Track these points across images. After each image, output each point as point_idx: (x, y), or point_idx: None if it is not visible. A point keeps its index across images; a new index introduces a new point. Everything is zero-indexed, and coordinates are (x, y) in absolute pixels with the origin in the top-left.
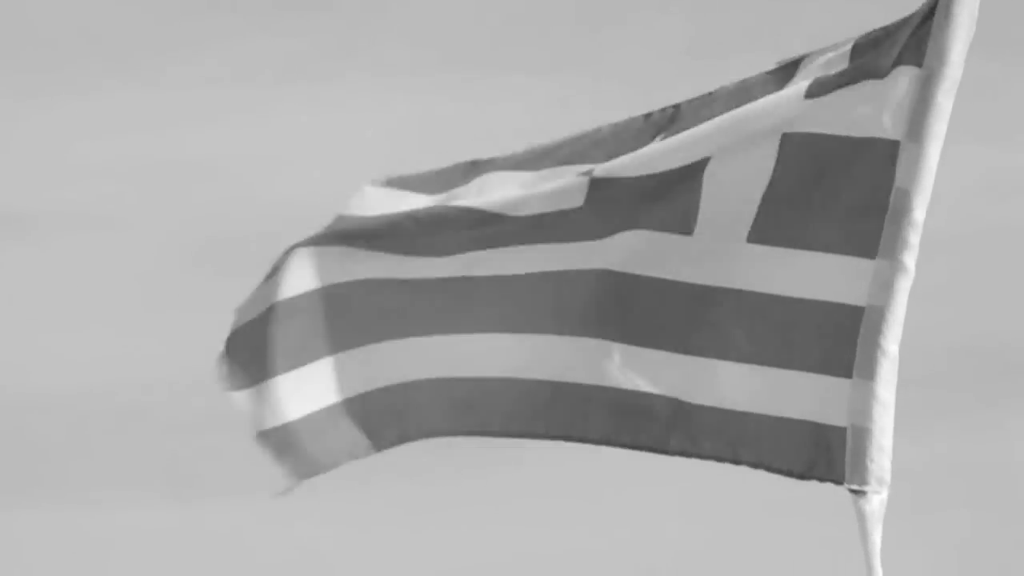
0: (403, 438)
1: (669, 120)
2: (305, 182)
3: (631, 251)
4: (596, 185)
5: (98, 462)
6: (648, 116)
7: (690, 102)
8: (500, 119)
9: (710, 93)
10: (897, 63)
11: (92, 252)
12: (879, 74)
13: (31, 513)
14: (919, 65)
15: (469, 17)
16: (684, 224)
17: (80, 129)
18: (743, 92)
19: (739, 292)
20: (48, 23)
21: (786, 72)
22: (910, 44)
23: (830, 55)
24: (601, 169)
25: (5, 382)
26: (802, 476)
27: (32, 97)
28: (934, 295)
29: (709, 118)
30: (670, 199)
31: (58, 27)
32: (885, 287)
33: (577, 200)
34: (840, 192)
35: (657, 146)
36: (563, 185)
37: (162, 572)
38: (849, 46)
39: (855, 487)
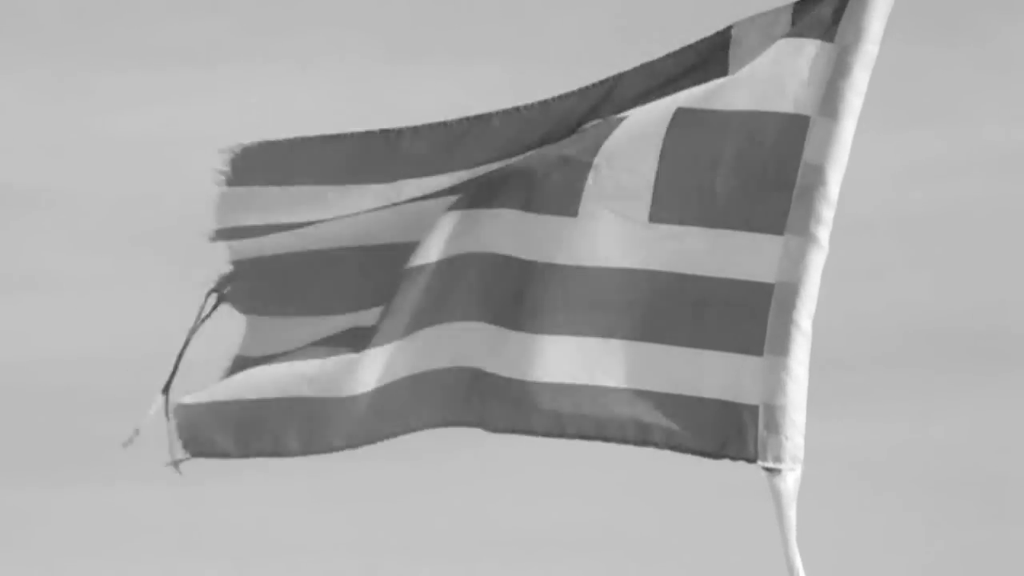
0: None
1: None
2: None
3: (519, 235)
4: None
5: (72, 441)
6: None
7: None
8: (426, 101)
9: (638, 69)
10: (806, 36)
11: (30, 228)
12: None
13: (24, 492)
14: (831, 41)
15: (394, 1)
16: (568, 206)
17: (14, 106)
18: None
19: (644, 272)
20: None
21: (715, 52)
22: (822, 19)
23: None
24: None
25: None
26: (714, 455)
27: None
28: (860, 275)
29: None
30: (553, 175)
31: None
32: (796, 263)
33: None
34: (743, 168)
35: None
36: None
37: (125, 552)
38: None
39: (769, 465)
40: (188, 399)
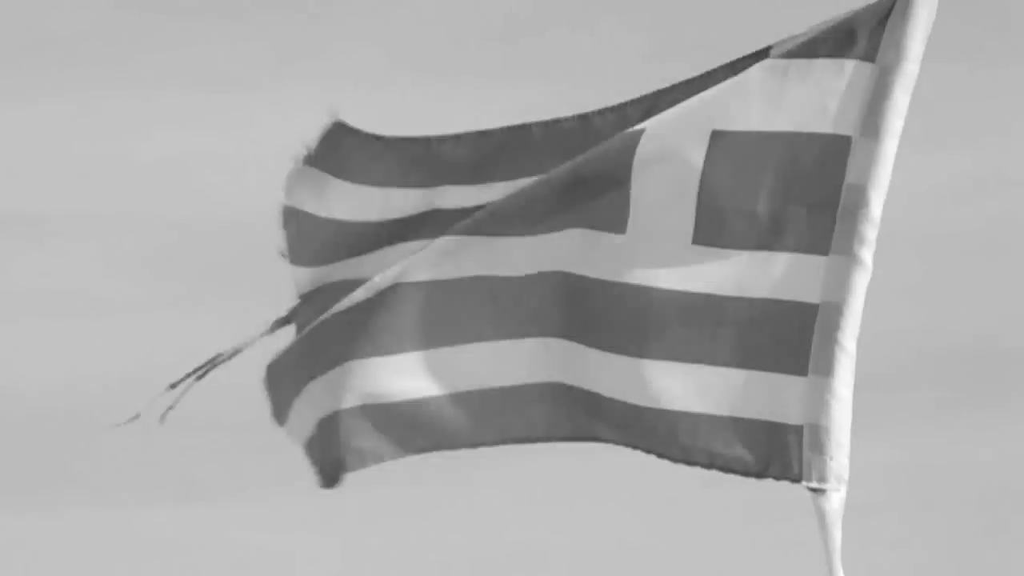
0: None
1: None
2: (267, 184)
3: (574, 250)
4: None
5: (91, 462)
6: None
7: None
8: (455, 124)
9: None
10: (847, 56)
11: (48, 253)
12: (830, 55)
13: (32, 515)
14: (872, 60)
15: (426, 22)
16: (616, 222)
17: (49, 130)
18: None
19: (688, 294)
20: (7, 27)
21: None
22: (863, 39)
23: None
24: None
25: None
26: (759, 476)
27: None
28: (906, 296)
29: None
30: (599, 190)
31: (17, 30)
32: (841, 283)
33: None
34: (786, 190)
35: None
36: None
37: (147, 572)
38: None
39: (814, 485)
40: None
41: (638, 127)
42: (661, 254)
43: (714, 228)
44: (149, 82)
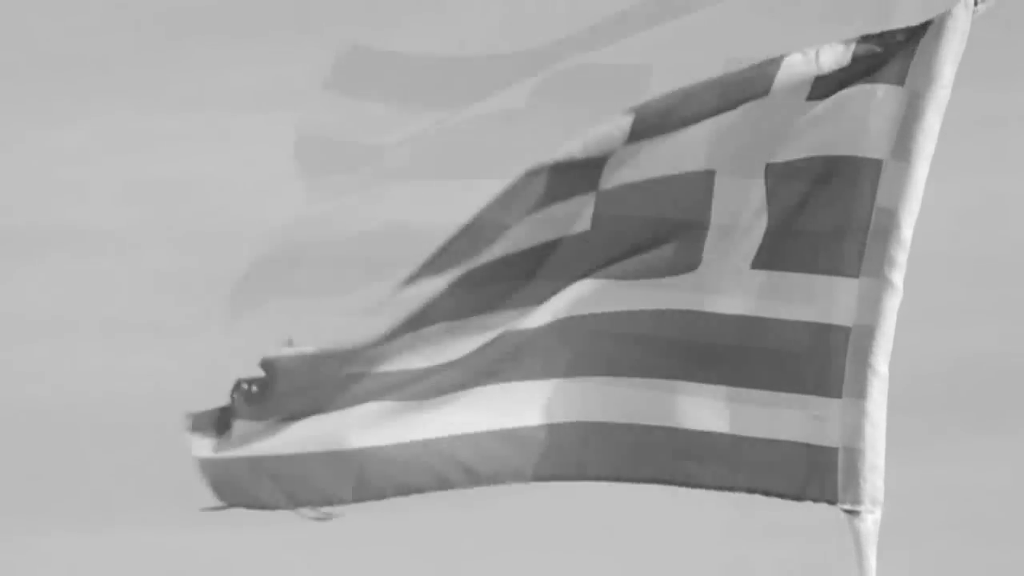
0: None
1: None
2: (288, 207)
3: (633, 292)
4: (603, 199)
5: (104, 481)
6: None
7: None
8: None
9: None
10: (878, 81)
11: (84, 270)
12: (869, 79)
13: (39, 536)
14: (901, 84)
15: (449, 51)
16: (689, 262)
17: (72, 149)
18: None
19: (729, 317)
20: (45, 47)
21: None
22: (893, 63)
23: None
24: (606, 181)
25: (7, 397)
26: (796, 498)
27: (28, 117)
28: (931, 318)
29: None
30: (675, 229)
31: (53, 50)
32: (872, 306)
33: (585, 223)
34: (821, 212)
35: (654, 148)
36: (570, 206)
37: None
38: (851, 51)
39: (849, 507)
40: (216, 454)
41: (708, 167)
42: (723, 280)
43: (770, 252)
44: (181, 103)
